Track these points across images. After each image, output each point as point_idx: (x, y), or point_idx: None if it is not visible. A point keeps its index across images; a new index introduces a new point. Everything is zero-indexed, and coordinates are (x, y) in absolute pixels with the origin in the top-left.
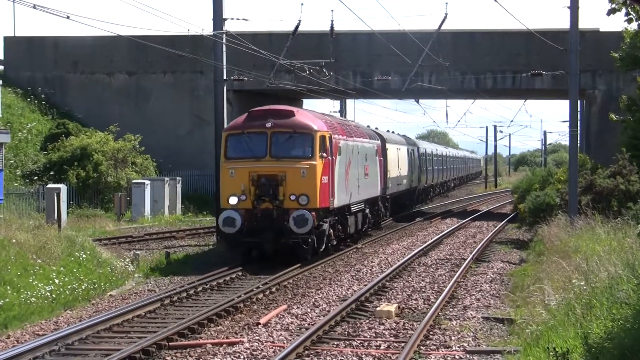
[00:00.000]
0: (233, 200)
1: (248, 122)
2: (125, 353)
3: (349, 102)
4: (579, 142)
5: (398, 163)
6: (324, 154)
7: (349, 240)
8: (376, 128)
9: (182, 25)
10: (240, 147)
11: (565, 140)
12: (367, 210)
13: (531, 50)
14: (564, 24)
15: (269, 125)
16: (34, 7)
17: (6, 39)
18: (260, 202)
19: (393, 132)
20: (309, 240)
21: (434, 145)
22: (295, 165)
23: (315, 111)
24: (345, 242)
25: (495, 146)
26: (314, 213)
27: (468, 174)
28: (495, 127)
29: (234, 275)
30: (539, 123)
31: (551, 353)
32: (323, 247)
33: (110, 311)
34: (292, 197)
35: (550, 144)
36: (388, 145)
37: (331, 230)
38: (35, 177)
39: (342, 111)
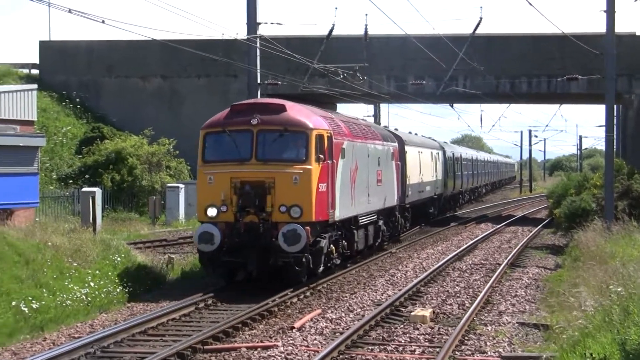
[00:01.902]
0: (212, 212)
1: (230, 117)
2: (160, 356)
3: (383, 107)
4: (615, 146)
5: (420, 168)
6: (322, 157)
7: (359, 257)
8: (395, 129)
9: (216, 29)
10: (220, 147)
11: (601, 145)
12: (381, 222)
13: (566, 54)
14: (600, 27)
15: (254, 121)
16: (70, 11)
17: (41, 43)
18: (243, 215)
19: (416, 134)
20: (303, 260)
21: (463, 149)
22: (285, 170)
23: (313, 107)
24: (353, 259)
25: (530, 151)
26: (308, 227)
27: (501, 179)
28: (530, 131)
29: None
30: (575, 127)
31: (588, 359)
32: (321, 267)
33: (145, 314)
34: (282, 209)
35: (585, 148)
36: (407, 148)
37: (332, 247)
38: (71, 181)
39: (376, 115)
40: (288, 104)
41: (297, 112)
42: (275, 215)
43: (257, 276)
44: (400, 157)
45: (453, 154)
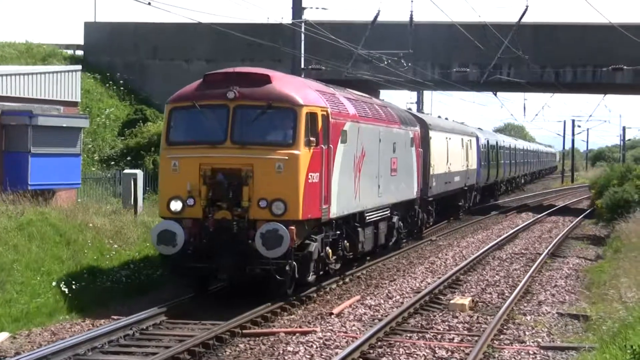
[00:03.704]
0: (175, 206)
1: (203, 90)
2: (199, 340)
3: (427, 94)
4: None
5: (447, 156)
6: (314, 140)
7: (369, 258)
8: (421, 112)
9: (262, 14)
10: (189, 126)
11: None
12: (396, 218)
13: (613, 44)
14: None
15: (231, 95)
16: None
17: (87, 24)
18: (214, 210)
19: (446, 119)
20: (286, 267)
21: (500, 136)
22: (267, 156)
23: (309, 80)
24: (361, 261)
25: (573, 141)
26: (293, 227)
27: (542, 169)
28: (573, 121)
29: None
30: (618, 118)
31: (628, 351)
32: (311, 275)
33: (185, 297)
34: (262, 204)
35: (629, 139)
36: (432, 134)
37: (328, 250)
38: (112, 162)
39: (419, 102)
40: (274, 74)
41: (285, 84)
42: (253, 212)
43: (233, 286)
44: (423, 143)
45: (488, 141)
